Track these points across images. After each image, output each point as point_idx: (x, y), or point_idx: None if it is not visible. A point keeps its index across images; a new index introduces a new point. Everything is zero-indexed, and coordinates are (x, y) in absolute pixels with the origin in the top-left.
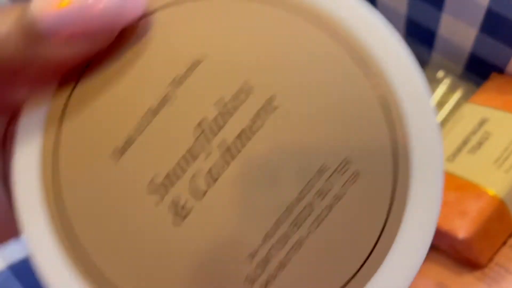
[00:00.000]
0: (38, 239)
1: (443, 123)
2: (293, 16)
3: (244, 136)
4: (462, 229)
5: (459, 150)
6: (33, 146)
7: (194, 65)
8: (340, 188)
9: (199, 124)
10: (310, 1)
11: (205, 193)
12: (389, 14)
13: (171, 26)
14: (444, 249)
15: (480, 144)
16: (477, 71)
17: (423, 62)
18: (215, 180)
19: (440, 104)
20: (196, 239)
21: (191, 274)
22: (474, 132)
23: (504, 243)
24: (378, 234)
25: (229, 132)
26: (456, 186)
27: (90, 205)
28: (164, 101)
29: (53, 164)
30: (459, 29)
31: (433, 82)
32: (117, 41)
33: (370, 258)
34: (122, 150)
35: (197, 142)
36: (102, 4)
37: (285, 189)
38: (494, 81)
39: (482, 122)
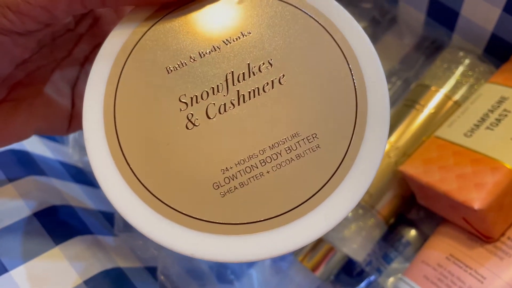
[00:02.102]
0: (95, 150)
1: (461, 101)
2: (303, 14)
3: (255, 92)
4: (478, 201)
5: (477, 126)
6: (120, 39)
7: (243, 35)
8: (303, 151)
9: (230, 73)
10: (315, 4)
11: (213, 117)
12: None
13: (239, 4)
14: (457, 222)
15: (498, 121)
16: (497, 52)
17: (442, 44)
18: (223, 112)
19: (459, 83)
20: (195, 143)
21: (180, 166)
22: (492, 110)
23: None
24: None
25: (247, 86)
26: (472, 160)
27: (135, 98)
28: (213, 49)
29: (124, 58)
30: (482, 9)
31: (453, 63)
32: None
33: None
34: (173, 69)
35: (223, 84)
36: None
37: (265, 136)
38: None
39: (501, 101)
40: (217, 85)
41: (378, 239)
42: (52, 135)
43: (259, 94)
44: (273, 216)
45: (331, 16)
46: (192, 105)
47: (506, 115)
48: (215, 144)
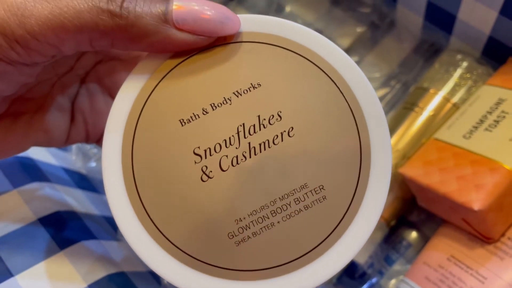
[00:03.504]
0: (117, 204)
1: (459, 103)
2: (311, 65)
3: (265, 144)
4: (477, 201)
5: (476, 128)
6: (132, 93)
7: (253, 86)
8: (310, 202)
9: (241, 125)
10: (320, 53)
11: (226, 169)
12: (410, 0)
13: (248, 54)
14: (457, 223)
15: (496, 122)
16: (494, 55)
17: (440, 47)
18: (235, 164)
19: (458, 86)
20: (210, 195)
21: (197, 217)
22: (491, 112)
23: None
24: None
25: (257, 138)
26: (472, 161)
27: (151, 152)
28: (225, 101)
29: (138, 111)
30: (479, 12)
31: (451, 65)
32: (212, 45)
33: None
34: (186, 121)
35: (235, 136)
36: (210, 14)
37: (275, 188)
38: (511, 65)
39: (499, 102)
40: (229, 138)
41: (380, 241)
42: (49, 147)
43: (269, 147)
44: (283, 263)
45: (339, 67)
46: (206, 158)
47: (504, 117)
48: (229, 196)
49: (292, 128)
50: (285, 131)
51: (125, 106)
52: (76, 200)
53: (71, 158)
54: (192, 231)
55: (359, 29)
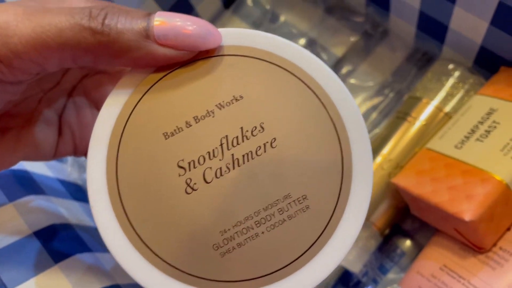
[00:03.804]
0: (103, 218)
1: (452, 113)
2: (292, 77)
3: (248, 156)
4: (468, 212)
5: (467, 138)
6: (115, 108)
7: (235, 99)
8: (294, 212)
9: (224, 137)
10: (302, 66)
11: (210, 181)
12: (403, 8)
13: (230, 67)
14: (449, 233)
15: (488, 132)
16: (486, 64)
17: (433, 56)
18: (219, 176)
19: (450, 95)
20: (195, 207)
21: (182, 229)
22: (482, 122)
23: (508, 228)
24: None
25: (240, 150)
26: (463, 172)
27: (136, 166)
28: (208, 114)
29: (122, 125)
30: (470, 22)
31: (443, 75)
32: (194, 59)
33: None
34: (170, 134)
35: (218, 148)
36: (191, 29)
37: (259, 199)
38: (503, 74)
39: (490, 112)
40: (213, 150)
41: (374, 250)
42: (38, 161)
43: (252, 158)
44: (268, 273)
45: (320, 79)
46: (190, 170)
47: (495, 127)
48: (213, 207)
49: (275, 139)
50: (267, 142)
51: (109, 120)
52: (71, 212)
53: (67, 169)
54: (178, 244)
55: (353, 38)
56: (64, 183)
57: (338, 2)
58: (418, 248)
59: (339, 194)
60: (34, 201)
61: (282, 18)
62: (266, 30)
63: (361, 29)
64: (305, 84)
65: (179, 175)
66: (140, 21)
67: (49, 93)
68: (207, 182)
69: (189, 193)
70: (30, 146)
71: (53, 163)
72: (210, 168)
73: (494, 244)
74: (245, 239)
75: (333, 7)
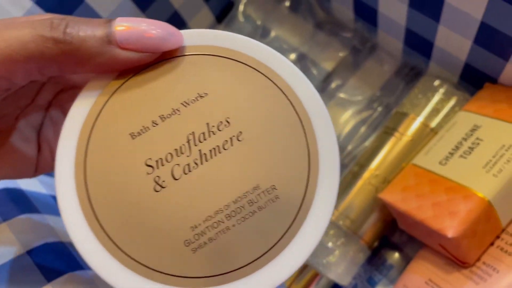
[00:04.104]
0: (71, 218)
1: (437, 129)
2: (254, 71)
3: (215, 150)
4: (451, 229)
5: (451, 154)
6: (83, 110)
7: (200, 96)
8: (264, 202)
9: (191, 134)
10: (262, 59)
11: (179, 178)
12: (390, 25)
13: (194, 66)
14: (434, 248)
15: (471, 149)
16: (471, 80)
17: (421, 71)
18: (188, 172)
19: (436, 111)
20: (164, 205)
21: (153, 227)
22: (466, 138)
23: (492, 243)
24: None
25: (207, 145)
26: (447, 188)
27: (104, 167)
28: (173, 112)
29: (89, 128)
30: (454, 41)
31: (429, 91)
32: (158, 60)
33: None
34: (136, 134)
35: (185, 145)
36: (153, 32)
37: (228, 192)
38: (487, 91)
39: (474, 129)
40: (180, 147)
41: (363, 262)
42: (18, 178)
43: (220, 152)
44: (242, 266)
45: (282, 73)
46: (158, 168)
47: (478, 144)
48: (183, 203)
49: (241, 132)
50: (234, 136)
51: (77, 123)
52: (65, 229)
53: None
54: (148, 242)
55: (342, 53)
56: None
57: (327, 18)
58: (406, 260)
59: (307, 183)
60: (28, 220)
61: (273, 34)
62: None
63: (350, 44)
64: (268, 78)
65: (147, 174)
66: (101, 27)
67: (26, 110)
68: (175, 179)
69: (158, 191)
70: (10, 164)
71: (46, 179)
72: (178, 165)
73: (478, 259)
74: (216, 233)
75: (322, 22)
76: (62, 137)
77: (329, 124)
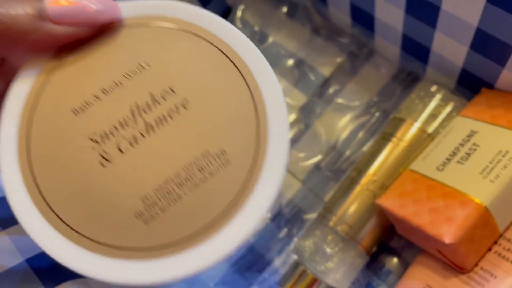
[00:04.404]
0: (16, 197)
1: (435, 134)
2: (197, 38)
3: (161, 120)
4: (448, 235)
5: (448, 160)
6: (23, 90)
7: (142, 67)
8: (214, 168)
9: (135, 105)
10: (204, 25)
11: (126, 151)
12: (387, 31)
13: (134, 37)
14: (432, 253)
15: (468, 155)
16: (468, 85)
17: (418, 76)
18: (134, 144)
19: (433, 116)
20: (112, 179)
21: (102, 202)
22: (463, 144)
23: (489, 249)
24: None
25: (153, 115)
26: (444, 194)
27: (48, 145)
28: (115, 84)
29: (31, 107)
30: (451, 46)
31: (426, 96)
32: (96, 34)
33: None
34: (79, 110)
35: (130, 117)
36: (89, 5)
37: (177, 160)
38: (484, 96)
39: (471, 134)
40: (124, 119)
41: (361, 268)
42: None
43: (166, 122)
44: (197, 231)
45: (227, 39)
46: (103, 143)
47: (475, 149)
48: (132, 176)
49: (187, 100)
50: (179, 104)
51: (18, 103)
52: None
53: None
54: (98, 217)
55: (339, 59)
56: None
57: (324, 23)
58: (405, 266)
59: (257, 145)
60: None
61: (271, 39)
62: None
63: (347, 49)
64: (212, 43)
65: (93, 149)
66: (33, 4)
67: None
68: (122, 152)
69: (104, 166)
70: None
71: None
72: (124, 137)
73: (476, 265)
74: (168, 203)
75: (319, 28)
76: (4, 119)
77: (276, 85)
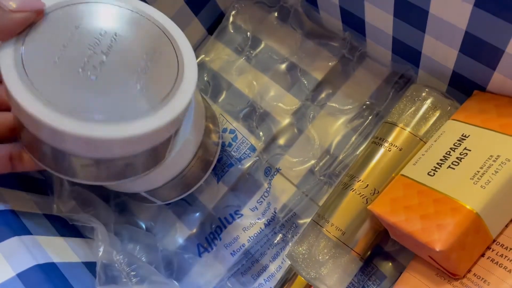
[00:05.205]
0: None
1: (427, 138)
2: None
3: (109, 48)
4: (439, 242)
5: (439, 165)
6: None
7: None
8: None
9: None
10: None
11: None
12: (378, 35)
13: (91, 11)
14: (425, 258)
15: (459, 160)
16: (461, 88)
17: (410, 79)
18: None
19: (424, 120)
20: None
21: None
22: (454, 148)
23: (482, 255)
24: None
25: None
26: (435, 200)
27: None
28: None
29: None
30: (441, 50)
31: (418, 100)
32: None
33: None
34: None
35: (91, 50)
36: None
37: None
38: (476, 99)
39: (462, 139)
40: (88, 53)
41: (356, 272)
42: None
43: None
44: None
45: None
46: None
47: (466, 154)
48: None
49: (116, 34)
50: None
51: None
52: (56, 249)
53: (53, 206)
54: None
55: (331, 62)
56: (50, 218)
57: (316, 28)
58: (399, 270)
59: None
60: (18, 242)
61: (263, 44)
62: (247, 56)
63: (339, 53)
64: (140, 14)
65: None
66: None
67: None
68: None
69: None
70: None
71: (39, 199)
72: (96, 53)
73: (469, 271)
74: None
75: (311, 32)
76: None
77: (185, 38)
